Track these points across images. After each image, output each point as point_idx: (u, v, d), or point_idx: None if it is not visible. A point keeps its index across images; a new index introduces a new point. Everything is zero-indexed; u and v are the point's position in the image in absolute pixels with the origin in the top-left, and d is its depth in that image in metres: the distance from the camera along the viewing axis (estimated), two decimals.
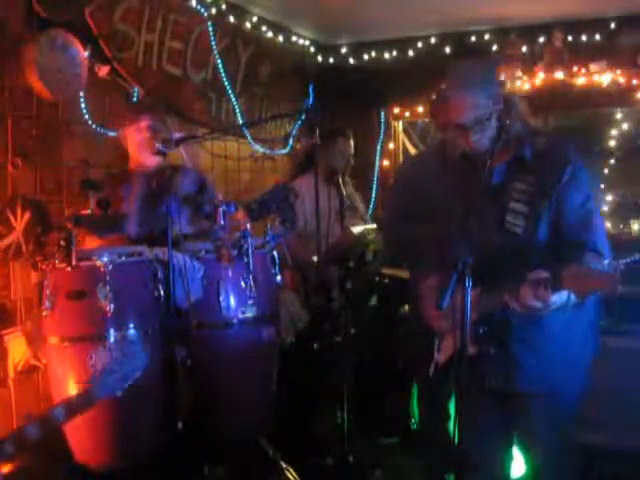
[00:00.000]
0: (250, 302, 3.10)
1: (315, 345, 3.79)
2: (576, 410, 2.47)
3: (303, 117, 5.34)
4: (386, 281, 4.35)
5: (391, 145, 6.01)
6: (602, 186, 5.15)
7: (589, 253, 2.20)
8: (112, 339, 2.85)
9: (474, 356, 2.30)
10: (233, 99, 4.83)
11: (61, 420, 2.09)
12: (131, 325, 2.89)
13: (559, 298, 2.13)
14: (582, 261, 2.10)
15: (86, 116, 3.63)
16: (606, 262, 1.99)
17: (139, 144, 3.38)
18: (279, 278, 3.25)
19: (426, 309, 2.51)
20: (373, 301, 4.32)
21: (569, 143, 2.41)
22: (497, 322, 2.29)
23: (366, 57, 5.87)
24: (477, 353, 2.30)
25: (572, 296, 2.11)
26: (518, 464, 2.72)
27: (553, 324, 2.29)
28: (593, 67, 5.12)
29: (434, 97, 3.64)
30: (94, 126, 3.67)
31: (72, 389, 2.88)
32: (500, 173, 2.36)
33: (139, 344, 2.32)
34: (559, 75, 5.20)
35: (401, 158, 6.03)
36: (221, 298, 3.08)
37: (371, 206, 5.71)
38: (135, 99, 3.91)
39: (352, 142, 4.50)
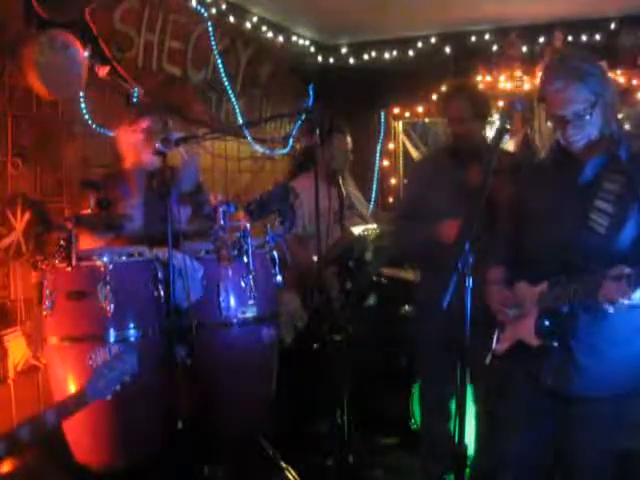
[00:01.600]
0: (250, 302, 3.10)
1: (315, 345, 3.79)
2: (632, 420, 2.41)
3: (303, 117, 5.35)
4: (386, 281, 4.35)
5: (391, 145, 6.01)
6: None
7: None
8: (112, 339, 2.85)
9: (533, 351, 2.31)
10: (233, 99, 4.82)
11: (53, 422, 2.11)
12: (131, 325, 2.89)
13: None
14: None
15: (86, 116, 3.63)
16: None
17: (135, 145, 3.37)
18: (279, 278, 3.25)
19: (491, 300, 2.49)
20: (373, 301, 4.31)
21: None
22: (563, 317, 2.26)
23: (366, 57, 5.86)
24: (540, 346, 2.30)
25: None
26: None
27: (621, 326, 2.24)
28: None
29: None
30: (94, 126, 3.67)
31: (72, 389, 2.88)
32: (592, 170, 2.32)
33: (130, 349, 2.33)
34: None
35: (401, 158, 6.03)
36: (221, 298, 3.08)
37: (371, 206, 5.71)
38: (135, 99, 3.91)
39: (349, 138, 4.48)
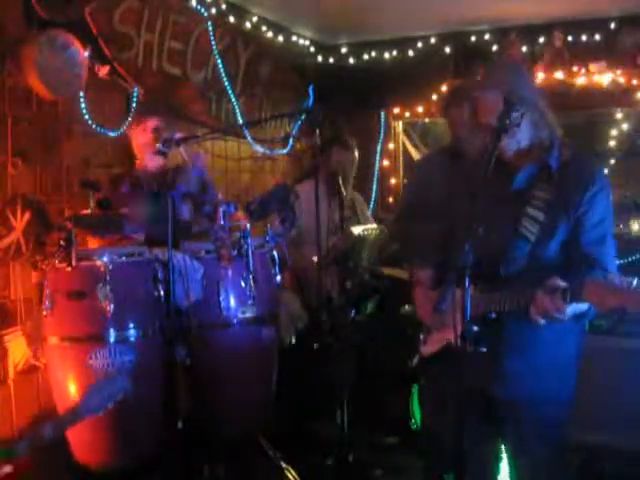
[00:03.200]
0: (250, 302, 3.10)
1: (315, 345, 3.79)
2: (564, 420, 2.43)
3: (303, 117, 5.36)
4: (386, 281, 4.35)
5: (391, 145, 6.00)
6: None
7: (598, 270, 2.19)
8: (112, 339, 2.85)
9: (460, 354, 2.28)
10: (233, 99, 4.83)
11: (49, 437, 2.16)
12: (131, 325, 2.89)
13: (574, 309, 2.11)
14: (596, 276, 2.07)
15: (86, 116, 3.63)
16: (635, 281, 1.94)
17: (143, 145, 3.42)
18: (279, 278, 3.25)
19: (418, 304, 2.52)
20: (373, 301, 4.31)
21: (594, 158, 2.38)
22: (491, 323, 2.27)
23: (366, 57, 5.86)
24: (465, 351, 2.29)
25: (590, 309, 2.10)
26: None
27: (547, 332, 2.25)
28: (593, 67, 5.12)
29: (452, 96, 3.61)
30: (94, 126, 3.67)
31: (72, 389, 2.88)
32: (523, 179, 2.34)
33: (121, 371, 2.45)
34: (559, 75, 5.19)
35: (401, 158, 6.03)
36: (221, 298, 3.08)
37: (371, 206, 5.71)
38: (135, 99, 3.91)
39: (353, 150, 4.45)
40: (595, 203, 2.27)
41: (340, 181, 4.26)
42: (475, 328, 2.26)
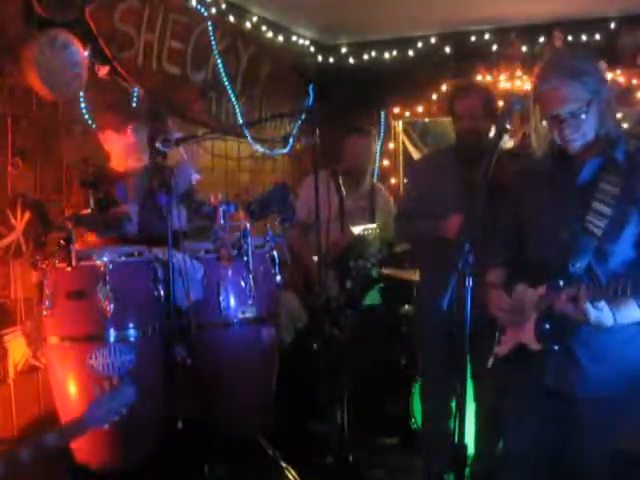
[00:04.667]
0: (250, 302, 3.10)
1: (315, 345, 3.79)
2: (633, 422, 2.37)
3: (303, 117, 5.35)
4: (386, 281, 4.35)
5: (391, 145, 6.00)
6: None
7: None
8: (112, 339, 2.85)
9: (534, 353, 2.29)
10: (233, 99, 4.82)
11: (53, 445, 2.18)
12: (131, 325, 2.89)
13: (599, 313, 2.10)
14: None
15: (86, 116, 3.63)
16: None
17: (127, 147, 3.34)
18: (279, 278, 3.25)
19: (492, 303, 2.45)
20: (373, 301, 4.31)
21: None
22: (564, 320, 2.22)
23: (366, 57, 5.86)
24: (540, 350, 2.28)
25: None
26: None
27: (621, 331, 2.21)
28: None
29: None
30: (94, 126, 3.67)
31: (72, 389, 2.88)
32: (589, 173, 2.28)
33: (128, 380, 2.41)
34: None
35: (401, 158, 6.03)
36: (221, 298, 3.08)
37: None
38: (135, 99, 3.91)
39: (373, 139, 4.43)
40: None
41: (340, 180, 4.27)
42: (547, 326, 2.26)
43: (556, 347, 2.27)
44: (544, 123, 2.34)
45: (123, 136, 3.32)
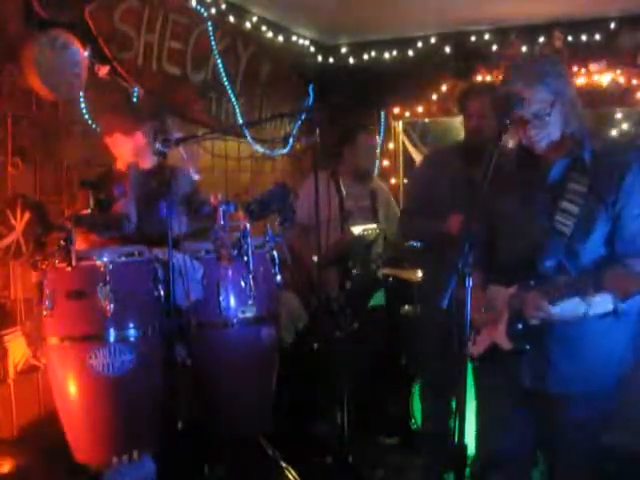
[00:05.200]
0: (250, 302, 3.10)
1: (315, 345, 3.79)
2: (606, 416, 2.41)
3: (303, 117, 5.35)
4: (388, 280, 4.35)
5: (391, 145, 6.01)
6: None
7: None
8: (112, 339, 2.85)
9: (508, 353, 2.30)
10: (233, 99, 4.82)
11: None
12: (131, 325, 2.89)
13: (564, 309, 2.12)
14: (627, 264, 2.02)
15: (86, 116, 3.63)
16: None
17: (133, 149, 3.36)
18: (279, 278, 3.25)
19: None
20: (373, 301, 4.31)
21: (630, 147, 2.34)
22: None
23: (366, 57, 5.87)
24: (512, 350, 2.29)
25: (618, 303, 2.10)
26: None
27: (594, 328, 2.24)
28: (593, 67, 5.12)
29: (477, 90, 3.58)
30: (94, 126, 3.67)
31: (72, 389, 2.88)
32: (557, 173, 2.31)
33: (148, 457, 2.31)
34: None
35: (401, 158, 6.03)
36: (221, 298, 3.08)
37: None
38: (135, 99, 3.91)
39: (376, 137, 4.45)
40: (633, 193, 2.21)
41: (341, 180, 4.26)
42: (520, 326, 2.26)
43: (528, 347, 2.29)
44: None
45: (133, 139, 3.34)
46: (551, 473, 2.51)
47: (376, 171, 4.59)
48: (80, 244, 3.17)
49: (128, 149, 3.38)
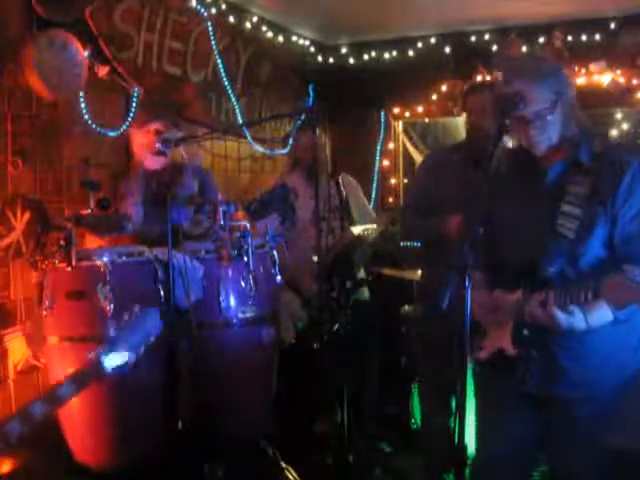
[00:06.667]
0: (250, 302, 3.10)
1: (315, 345, 3.78)
2: (615, 418, 2.38)
3: (303, 117, 5.35)
4: (387, 281, 4.35)
5: (391, 145, 6.00)
6: None
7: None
8: None
9: (514, 358, 2.27)
10: (233, 99, 4.82)
11: (70, 395, 1.94)
12: None
13: (570, 318, 2.10)
14: (625, 271, 1.98)
15: (86, 116, 3.63)
16: None
17: (144, 146, 3.40)
18: (279, 278, 3.25)
19: (474, 305, 2.46)
20: (366, 295, 4.30)
21: (630, 147, 2.30)
22: (542, 325, 2.20)
23: (366, 57, 5.87)
24: (518, 355, 2.27)
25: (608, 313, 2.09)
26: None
27: (600, 332, 2.19)
28: (593, 67, 5.12)
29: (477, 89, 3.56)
30: (94, 126, 3.67)
31: None
32: (556, 175, 2.28)
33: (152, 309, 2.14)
34: None
35: (401, 158, 6.03)
36: (221, 298, 3.08)
37: (371, 206, 5.71)
38: (135, 100, 3.91)
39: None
40: (632, 193, 2.17)
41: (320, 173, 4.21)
42: (525, 332, 2.24)
43: (534, 352, 2.26)
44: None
45: (147, 135, 3.36)
46: (555, 474, 2.49)
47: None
48: (90, 244, 3.19)
49: (140, 144, 3.42)
